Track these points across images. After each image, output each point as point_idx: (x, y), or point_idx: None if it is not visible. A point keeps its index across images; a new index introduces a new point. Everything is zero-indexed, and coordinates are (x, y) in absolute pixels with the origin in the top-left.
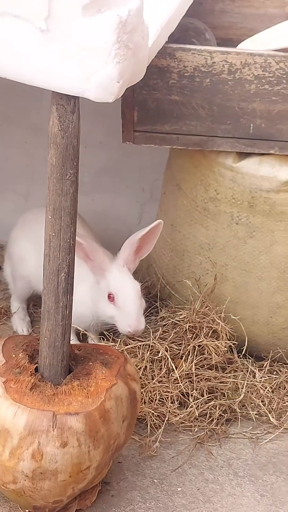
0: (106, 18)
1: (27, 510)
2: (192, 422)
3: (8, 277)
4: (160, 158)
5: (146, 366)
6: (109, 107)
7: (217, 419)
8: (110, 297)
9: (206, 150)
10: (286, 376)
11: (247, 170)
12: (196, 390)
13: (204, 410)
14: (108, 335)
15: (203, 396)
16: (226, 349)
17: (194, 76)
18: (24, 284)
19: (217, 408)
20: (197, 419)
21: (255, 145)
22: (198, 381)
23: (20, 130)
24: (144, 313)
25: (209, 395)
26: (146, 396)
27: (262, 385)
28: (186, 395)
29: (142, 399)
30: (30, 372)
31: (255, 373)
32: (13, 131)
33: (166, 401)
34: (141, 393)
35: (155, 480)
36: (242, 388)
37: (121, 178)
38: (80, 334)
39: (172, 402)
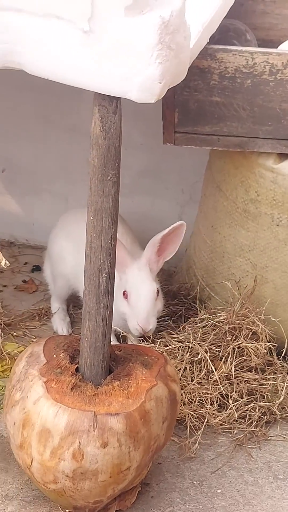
0: (149, 19)
1: (67, 510)
2: (231, 424)
3: (48, 277)
4: (200, 159)
5: (185, 368)
6: (149, 109)
7: (257, 421)
8: (125, 294)
9: (247, 151)
10: None
11: None
12: (235, 392)
13: (243, 412)
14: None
15: (242, 398)
16: (265, 351)
17: (235, 77)
18: (63, 283)
19: (257, 410)
20: (236, 421)
21: None
22: (238, 383)
23: (60, 132)
24: (159, 315)
25: (249, 397)
26: (185, 397)
27: None
28: (225, 397)
29: (181, 400)
30: (71, 372)
31: None
32: (53, 132)
33: (206, 402)
34: (181, 394)
35: (195, 482)
36: (282, 390)
37: (161, 180)
38: (120, 336)
39: (211, 404)
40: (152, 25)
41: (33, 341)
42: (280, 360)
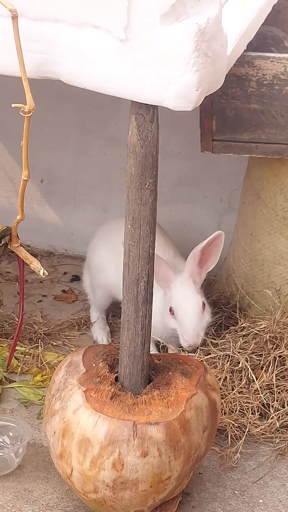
0: (185, 27)
1: None
2: (273, 433)
3: (87, 287)
4: (238, 167)
5: (226, 377)
6: (186, 117)
7: None
8: (171, 311)
9: (286, 158)
10: None
11: None
12: (277, 401)
13: (285, 421)
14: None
15: (284, 407)
16: None
17: (273, 84)
18: (103, 293)
19: None
20: (278, 430)
21: None
22: (279, 392)
23: (98, 142)
24: (207, 326)
25: None
26: (226, 406)
27: None
28: (266, 406)
29: (222, 409)
30: (110, 381)
31: None
32: (91, 142)
33: (247, 412)
34: (221, 403)
35: (236, 492)
36: None
37: (199, 188)
38: (160, 346)
39: (252, 413)
40: (188, 33)
41: (72, 350)
42: None
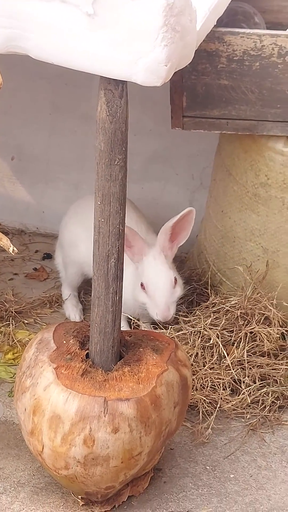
0: (153, 1)
1: (79, 496)
2: (244, 409)
3: (59, 265)
4: (210, 145)
5: (197, 353)
6: (158, 95)
7: (270, 406)
8: (142, 286)
9: (256, 134)
10: None
11: None
12: (248, 377)
13: (256, 397)
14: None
15: (255, 383)
16: (278, 336)
17: (243, 60)
18: (75, 270)
19: (270, 395)
20: (249, 406)
21: None
22: (250, 368)
23: (70, 120)
24: (178, 301)
25: (261, 382)
26: (197, 382)
27: None
28: (238, 382)
29: (193, 385)
30: (81, 358)
31: None
32: (63, 120)
33: (218, 387)
34: (193, 379)
35: (208, 467)
36: None
37: (170, 166)
38: (132, 323)
39: (224, 389)
40: (156, 7)
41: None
42: None
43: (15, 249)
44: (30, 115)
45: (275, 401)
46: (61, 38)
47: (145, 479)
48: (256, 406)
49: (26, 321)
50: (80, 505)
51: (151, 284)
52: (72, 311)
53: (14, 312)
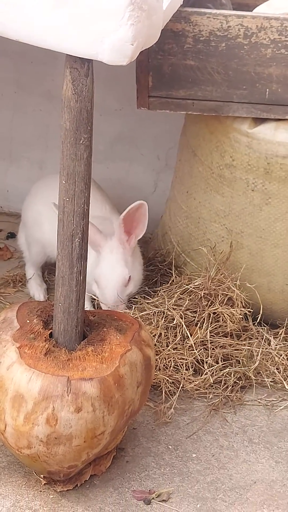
0: None
1: (42, 475)
2: (207, 389)
3: (22, 245)
4: (175, 125)
5: (161, 333)
6: (124, 75)
7: (232, 386)
8: (95, 281)
9: (222, 116)
10: None
11: (263, 136)
12: (211, 357)
13: (219, 377)
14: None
15: (218, 363)
16: (241, 316)
17: (209, 41)
18: (38, 249)
19: (232, 375)
20: (212, 386)
21: (271, 111)
22: (213, 348)
23: (35, 98)
24: (129, 299)
25: (224, 362)
26: (161, 363)
27: (277, 353)
28: (201, 362)
29: (156, 366)
30: (45, 337)
31: (270, 341)
32: (27, 98)
33: (181, 368)
34: (156, 360)
35: (170, 446)
36: (257, 356)
37: (136, 146)
38: (96, 303)
39: (187, 369)
40: None
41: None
42: (255, 326)
43: None
44: None
45: (237, 381)
46: (27, 15)
47: (108, 458)
48: (218, 386)
49: None
50: (42, 484)
51: (103, 279)
52: (36, 290)
53: None
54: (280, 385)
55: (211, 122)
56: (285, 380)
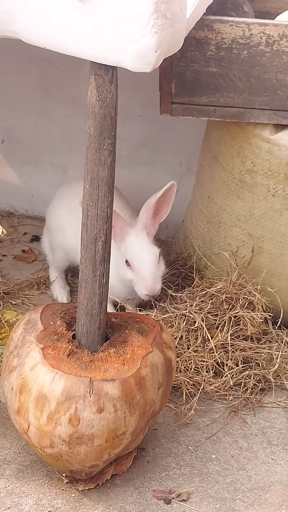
0: None
1: (64, 474)
2: (227, 391)
3: (46, 248)
4: (197, 131)
5: (182, 336)
6: (147, 81)
7: (252, 389)
8: (127, 262)
9: (243, 122)
10: None
11: (284, 142)
12: (231, 360)
13: (238, 379)
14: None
15: (238, 366)
16: (261, 320)
17: (231, 48)
18: (61, 255)
19: (252, 377)
20: (231, 388)
21: None
22: (233, 351)
23: (59, 103)
24: (162, 277)
25: (244, 365)
26: (181, 365)
27: None
28: (221, 365)
29: (177, 368)
30: (68, 339)
31: None
32: (52, 104)
33: (202, 370)
34: (177, 362)
35: (190, 447)
36: (277, 359)
37: (158, 152)
38: (118, 307)
39: (207, 371)
40: None
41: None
42: (275, 329)
43: (4, 230)
44: (20, 99)
45: (256, 383)
46: (53, 23)
47: (129, 458)
48: (238, 388)
49: (14, 302)
50: (64, 482)
51: (136, 259)
52: (59, 292)
53: (2, 293)
54: None
55: (232, 128)
56: None
